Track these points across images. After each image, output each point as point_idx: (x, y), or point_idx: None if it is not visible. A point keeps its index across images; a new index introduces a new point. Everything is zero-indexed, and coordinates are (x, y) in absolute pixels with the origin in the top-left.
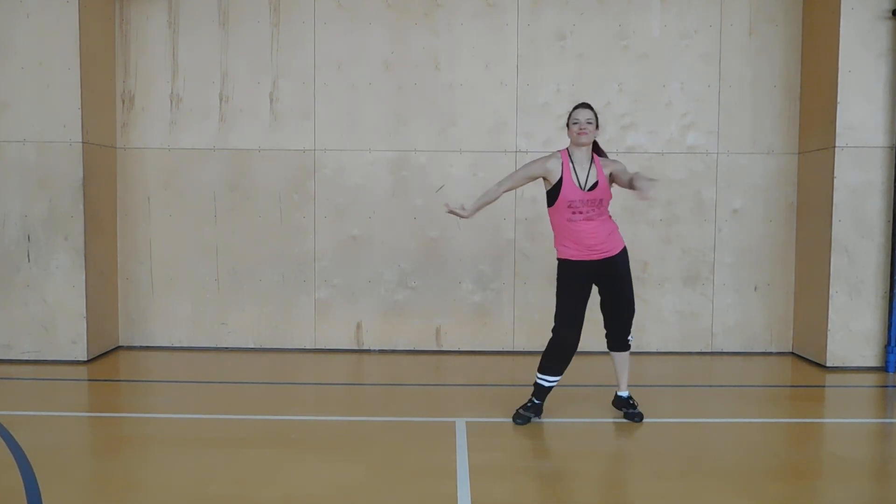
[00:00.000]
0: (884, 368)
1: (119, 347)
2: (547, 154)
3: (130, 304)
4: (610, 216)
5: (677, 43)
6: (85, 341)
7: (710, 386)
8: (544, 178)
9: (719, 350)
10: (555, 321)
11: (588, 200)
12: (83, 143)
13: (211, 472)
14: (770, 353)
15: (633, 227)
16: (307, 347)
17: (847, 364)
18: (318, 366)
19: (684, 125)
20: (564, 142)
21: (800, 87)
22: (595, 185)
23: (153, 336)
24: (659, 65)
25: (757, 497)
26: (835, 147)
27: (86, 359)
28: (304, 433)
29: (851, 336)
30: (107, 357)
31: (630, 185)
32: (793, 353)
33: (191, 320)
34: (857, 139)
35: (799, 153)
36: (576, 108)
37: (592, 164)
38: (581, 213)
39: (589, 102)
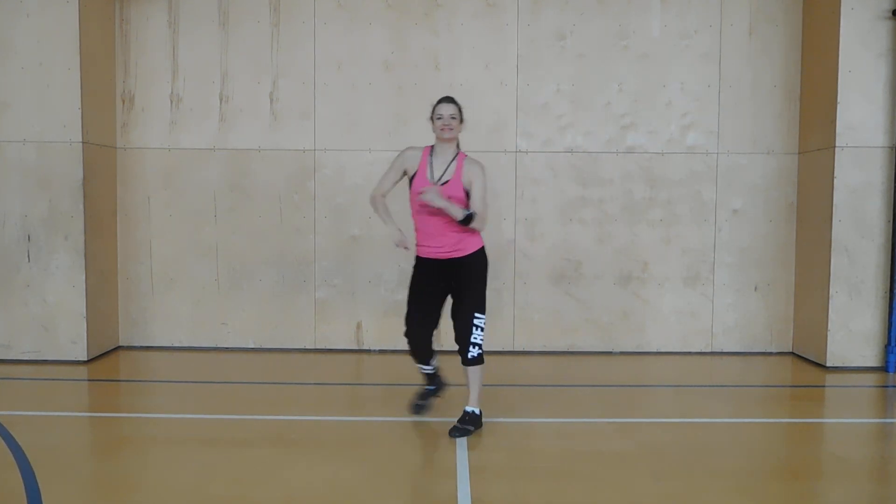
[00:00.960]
0: (884, 368)
1: (119, 347)
2: (410, 148)
3: (130, 304)
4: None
5: (677, 43)
6: (85, 341)
7: (710, 386)
8: (406, 172)
9: (719, 350)
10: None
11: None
12: (83, 143)
13: (211, 472)
14: (770, 353)
15: (633, 227)
16: (307, 347)
17: (847, 364)
18: (318, 366)
19: (684, 125)
20: (563, 142)
21: (800, 87)
22: (447, 181)
23: (153, 336)
24: (659, 65)
25: (757, 497)
26: (835, 147)
27: (86, 359)
28: (304, 433)
29: (851, 336)
30: (107, 357)
31: (461, 220)
32: (793, 353)
33: (191, 320)
34: (857, 139)
35: (799, 153)
36: (439, 101)
37: (454, 162)
38: (426, 205)
39: (453, 96)
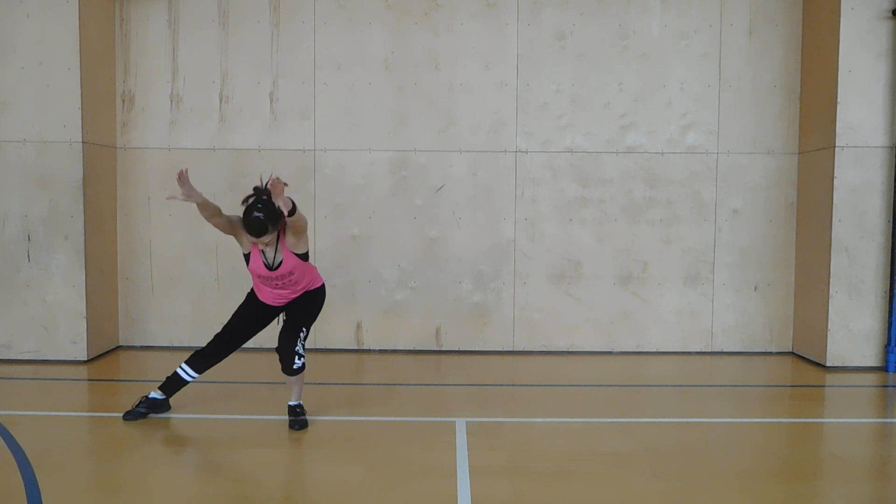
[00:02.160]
0: (884, 368)
1: (119, 347)
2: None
3: (130, 304)
4: (312, 273)
5: (677, 43)
6: (85, 341)
7: (710, 386)
8: (237, 239)
9: (719, 350)
10: (219, 334)
11: (277, 276)
12: (83, 143)
13: (211, 472)
14: (770, 353)
15: (633, 227)
16: (307, 347)
17: (847, 364)
18: (318, 366)
19: (684, 125)
20: (563, 142)
21: (800, 87)
22: (280, 263)
23: (153, 336)
24: (659, 65)
25: (757, 497)
26: (835, 147)
27: (86, 359)
28: (305, 433)
29: (851, 336)
30: (107, 357)
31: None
32: (793, 352)
33: (191, 320)
34: (857, 139)
35: (799, 153)
36: (256, 234)
37: (279, 243)
38: (272, 285)
39: (260, 213)
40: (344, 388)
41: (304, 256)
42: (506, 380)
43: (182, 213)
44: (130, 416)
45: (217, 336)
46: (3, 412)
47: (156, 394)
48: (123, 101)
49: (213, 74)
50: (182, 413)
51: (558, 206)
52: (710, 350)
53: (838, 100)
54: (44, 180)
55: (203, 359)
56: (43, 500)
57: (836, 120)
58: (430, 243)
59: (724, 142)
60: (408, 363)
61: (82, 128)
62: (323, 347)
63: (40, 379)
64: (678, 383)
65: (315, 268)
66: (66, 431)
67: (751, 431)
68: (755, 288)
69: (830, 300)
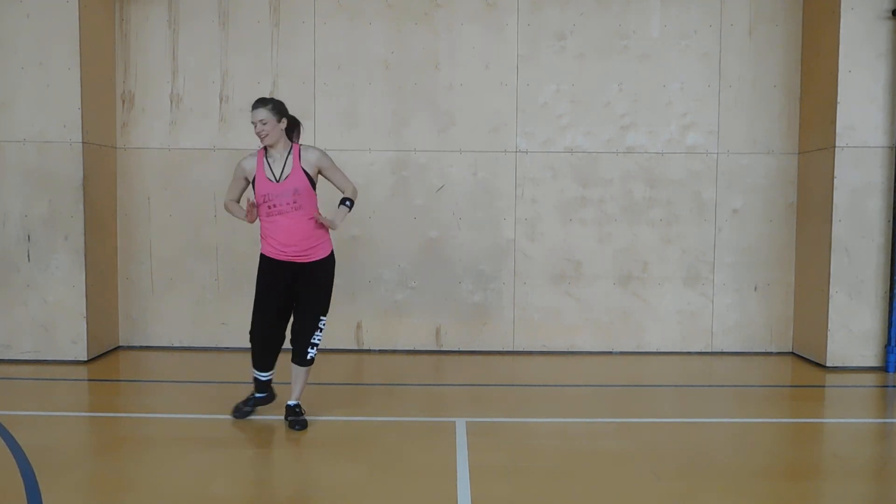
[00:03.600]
0: (884, 368)
1: (119, 347)
2: (245, 157)
3: (130, 304)
4: (316, 221)
5: (677, 43)
6: (85, 341)
7: (710, 386)
8: (247, 179)
9: (719, 350)
10: (252, 315)
11: (281, 192)
12: (83, 143)
13: (211, 472)
14: (770, 353)
15: (633, 227)
16: None
17: (847, 364)
18: (318, 366)
19: (684, 125)
20: (563, 142)
21: (800, 87)
22: (288, 176)
23: (153, 336)
24: (659, 65)
25: (757, 497)
26: (835, 147)
27: (86, 359)
28: (304, 433)
29: (851, 336)
30: (107, 357)
31: (343, 200)
32: (793, 353)
33: (191, 320)
34: (857, 139)
35: (799, 153)
36: (253, 105)
37: (290, 156)
38: (275, 206)
39: (267, 97)
40: (344, 388)
41: (314, 186)
42: (506, 380)
43: (182, 213)
44: (237, 413)
45: (252, 318)
46: (3, 412)
47: (259, 394)
48: (123, 101)
49: (213, 74)
50: (182, 413)
51: (558, 206)
52: (710, 350)
53: (838, 100)
54: (44, 180)
55: (257, 357)
56: (43, 500)
57: (836, 120)
58: (430, 243)
59: (724, 142)
60: (408, 363)
61: (82, 128)
62: (323, 347)
63: (40, 379)
64: (678, 383)
65: (325, 230)
66: (66, 431)
67: (751, 431)
68: (755, 288)
69: (830, 300)
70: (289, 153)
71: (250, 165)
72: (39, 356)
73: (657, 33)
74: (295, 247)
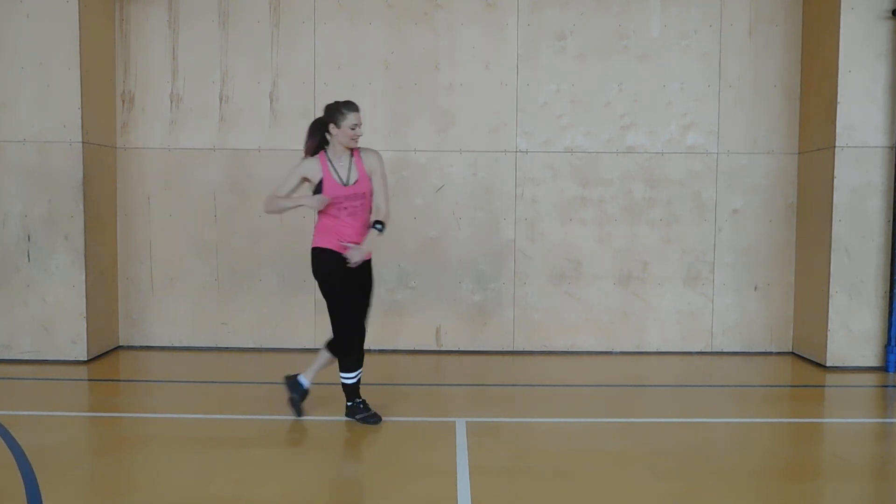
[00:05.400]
0: (884, 368)
1: (119, 347)
2: (305, 159)
3: (130, 304)
4: (369, 219)
5: (677, 43)
6: (85, 341)
7: (710, 386)
8: (307, 180)
9: (719, 350)
10: (339, 318)
11: (352, 195)
12: (83, 143)
13: (211, 472)
14: (770, 353)
15: (633, 227)
16: (307, 347)
17: (847, 364)
18: None
19: (684, 125)
20: (563, 142)
21: (800, 87)
22: (357, 179)
23: (153, 336)
24: (659, 65)
25: (757, 497)
26: (835, 147)
27: (86, 359)
28: (304, 433)
29: (851, 336)
30: (107, 357)
31: (373, 223)
32: (793, 353)
33: (191, 320)
34: (857, 139)
35: (799, 153)
36: (350, 109)
37: (352, 160)
38: (346, 208)
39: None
40: None
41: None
42: (506, 380)
43: (182, 213)
44: (372, 419)
45: (343, 320)
46: (3, 412)
47: (352, 402)
48: (123, 101)
49: (213, 74)
50: (182, 413)
51: (558, 206)
52: (710, 350)
53: (838, 100)
54: (44, 180)
55: (358, 353)
56: (43, 500)
57: (836, 120)
58: (430, 243)
59: (724, 142)
60: (408, 363)
61: (82, 128)
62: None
63: (40, 379)
64: (678, 383)
65: None
66: (66, 431)
67: (751, 431)
68: (755, 288)
69: (830, 300)
70: (350, 158)
71: (314, 169)
72: (39, 356)
73: (657, 33)
74: (358, 243)
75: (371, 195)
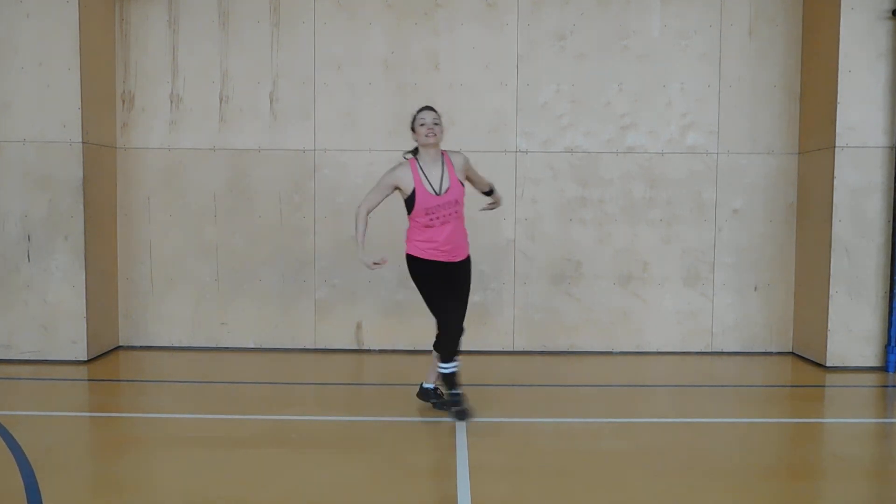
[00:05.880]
0: (884, 368)
1: (119, 347)
2: (394, 166)
3: (130, 304)
4: (463, 221)
5: (677, 43)
6: (85, 341)
7: (710, 386)
8: (399, 189)
9: (719, 350)
10: (435, 315)
11: (444, 203)
12: (83, 143)
13: (211, 472)
14: (770, 353)
15: (633, 227)
16: (307, 347)
17: (847, 364)
18: (318, 366)
19: (684, 125)
20: (563, 142)
21: (800, 87)
22: (448, 188)
23: (153, 336)
24: (659, 65)
25: (757, 497)
26: (835, 147)
27: (86, 359)
28: (304, 433)
29: (851, 336)
30: (107, 357)
31: (485, 192)
32: (793, 353)
33: (191, 320)
34: (857, 139)
35: (799, 153)
36: (420, 109)
37: (444, 166)
38: (439, 217)
39: (432, 105)
40: (344, 388)
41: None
42: (506, 380)
43: (182, 213)
44: (463, 414)
45: (439, 317)
46: (3, 412)
47: (454, 391)
48: (123, 101)
49: (213, 74)
50: (182, 413)
51: (558, 206)
52: (710, 350)
53: (838, 100)
54: (44, 180)
55: (444, 348)
56: (43, 500)
57: (836, 120)
58: None
59: (724, 142)
60: (408, 363)
61: (82, 128)
62: (323, 347)
63: (40, 379)
64: (678, 383)
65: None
66: (66, 431)
67: (751, 431)
68: (755, 288)
69: (830, 300)
70: (442, 164)
71: (406, 177)
72: (39, 356)
73: (657, 33)
74: (452, 249)
75: (462, 201)
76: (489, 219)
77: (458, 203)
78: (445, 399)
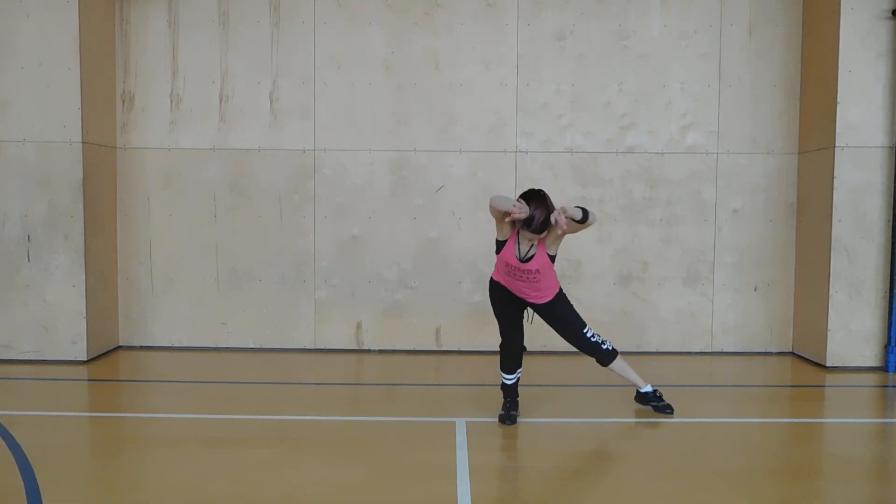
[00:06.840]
0: (884, 368)
1: (119, 347)
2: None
3: (130, 304)
4: (551, 277)
5: (677, 43)
6: (85, 341)
7: (710, 386)
8: (499, 225)
9: (719, 350)
10: (500, 334)
11: (521, 269)
12: (83, 143)
13: (211, 472)
14: (770, 353)
15: (633, 227)
16: (307, 347)
17: (847, 364)
18: (318, 366)
19: (684, 125)
20: (563, 142)
21: (800, 87)
22: (531, 258)
23: (153, 336)
24: (659, 65)
25: (757, 497)
26: (835, 147)
27: (86, 359)
28: (304, 433)
29: (851, 336)
30: (107, 357)
31: (572, 224)
32: (793, 353)
33: (191, 320)
34: (857, 139)
35: (799, 153)
36: (530, 223)
37: (538, 241)
38: (516, 275)
39: (540, 190)
40: (344, 388)
41: (553, 258)
42: None
43: (182, 213)
44: (508, 419)
45: (501, 336)
46: (3, 412)
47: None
48: (123, 101)
49: (213, 74)
50: (182, 413)
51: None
52: (710, 350)
53: (838, 100)
54: (44, 180)
55: (504, 362)
56: (43, 500)
57: (836, 120)
58: (430, 243)
59: (724, 142)
60: (408, 363)
61: (82, 128)
62: (323, 347)
63: (40, 379)
64: (678, 383)
65: (555, 272)
66: (66, 431)
67: (750, 431)
68: (755, 288)
69: (830, 300)
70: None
71: (507, 230)
72: (39, 356)
73: (657, 33)
74: (524, 297)
75: (545, 269)
76: (489, 219)
77: (538, 272)
78: (661, 402)
